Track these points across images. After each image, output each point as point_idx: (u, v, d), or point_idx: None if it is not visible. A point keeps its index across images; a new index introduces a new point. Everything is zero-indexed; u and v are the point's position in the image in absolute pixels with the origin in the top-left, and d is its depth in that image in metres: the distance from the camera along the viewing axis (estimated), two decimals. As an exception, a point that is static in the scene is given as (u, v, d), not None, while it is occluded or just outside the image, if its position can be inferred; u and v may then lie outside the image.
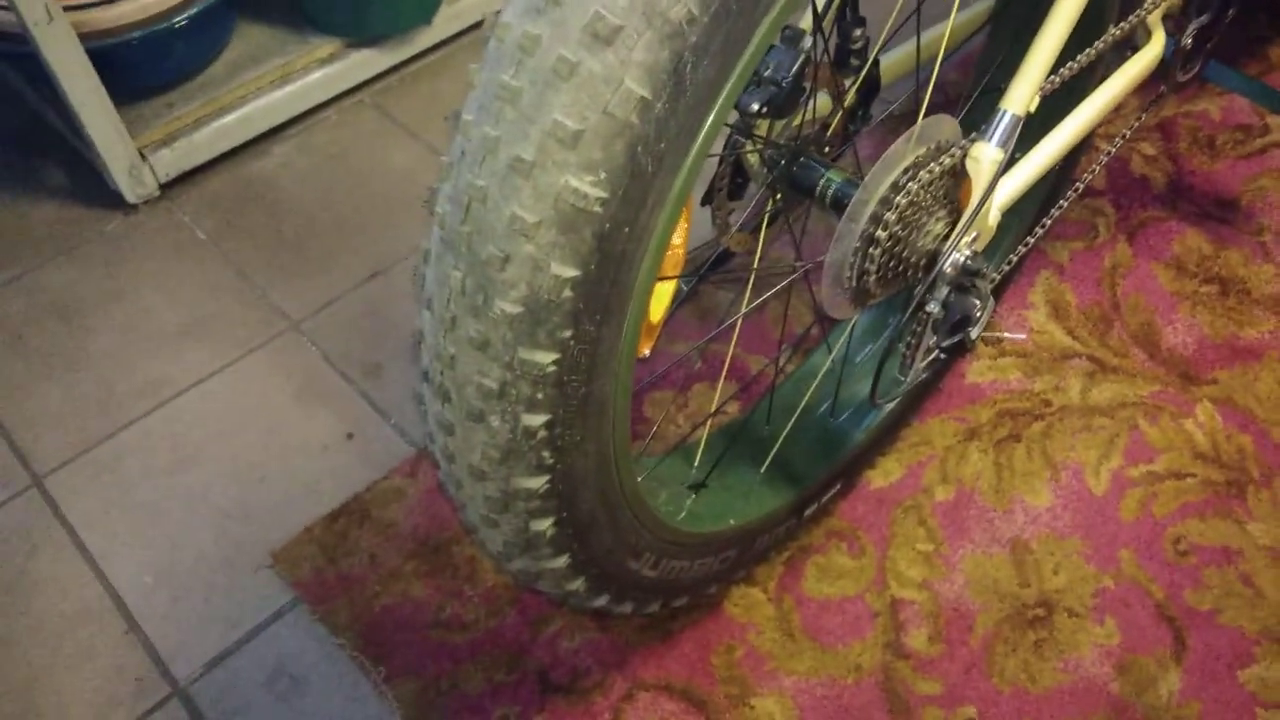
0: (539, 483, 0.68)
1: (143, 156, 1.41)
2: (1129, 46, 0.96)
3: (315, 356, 1.28)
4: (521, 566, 0.76)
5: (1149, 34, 0.95)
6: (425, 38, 1.59)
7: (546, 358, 0.61)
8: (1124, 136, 0.99)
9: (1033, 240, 0.96)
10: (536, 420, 0.64)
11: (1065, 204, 0.99)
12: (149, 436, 1.21)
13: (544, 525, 0.71)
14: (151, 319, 1.33)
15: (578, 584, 0.78)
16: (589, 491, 0.71)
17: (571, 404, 0.65)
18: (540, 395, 0.63)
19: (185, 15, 1.38)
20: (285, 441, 1.20)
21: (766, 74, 0.75)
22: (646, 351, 0.77)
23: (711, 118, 0.58)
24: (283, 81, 1.49)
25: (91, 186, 1.46)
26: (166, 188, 1.46)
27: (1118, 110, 0.94)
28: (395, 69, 1.60)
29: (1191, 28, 0.97)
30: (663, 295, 0.78)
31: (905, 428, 1.14)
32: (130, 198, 1.43)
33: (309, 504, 1.14)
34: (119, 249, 1.41)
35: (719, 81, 0.57)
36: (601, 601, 0.83)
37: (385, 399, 1.23)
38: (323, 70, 1.51)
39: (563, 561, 0.75)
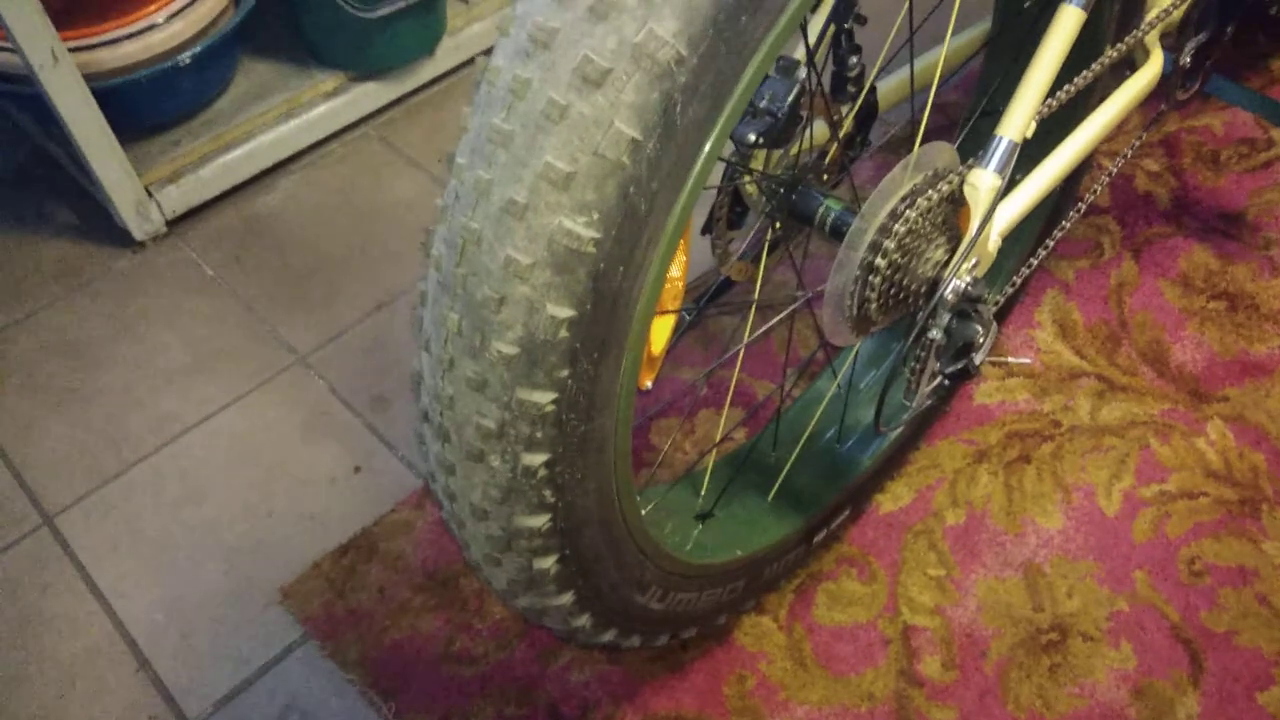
0: (541, 521, 0.67)
1: (149, 194, 1.42)
2: (1127, 66, 0.95)
3: (323, 390, 1.28)
4: (526, 604, 0.75)
5: (1147, 53, 0.95)
6: (428, 69, 1.60)
7: (544, 397, 0.61)
8: (1126, 155, 0.99)
9: (1036, 261, 0.96)
10: (536, 459, 0.64)
11: (1068, 224, 0.99)
12: (158, 473, 1.22)
13: (547, 563, 0.70)
14: (160, 355, 1.33)
15: (583, 620, 0.78)
16: (592, 528, 0.71)
17: (571, 442, 0.65)
18: (539, 434, 0.63)
19: (190, 53, 1.39)
20: (293, 475, 1.20)
21: (762, 105, 0.75)
22: (649, 384, 0.77)
23: (704, 155, 0.58)
24: (287, 116, 1.51)
25: (99, 224, 1.47)
26: (174, 224, 1.47)
27: (1119, 128, 0.94)
28: (399, 101, 1.61)
29: (1190, 46, 0.97)
30: (663, 328, 0.78)
31: (914, 451, 1.14)
32: (138, 235, 1.44)
33: (317, 538, 1.14)
34: (127, 286, 1.42)
35: (710, 120, 0.57)
36: (609, 636, 0.82)
37: (393, 431, 1.23)
38: (327, 104, 1.53)
39: (567, 598, 0.74)
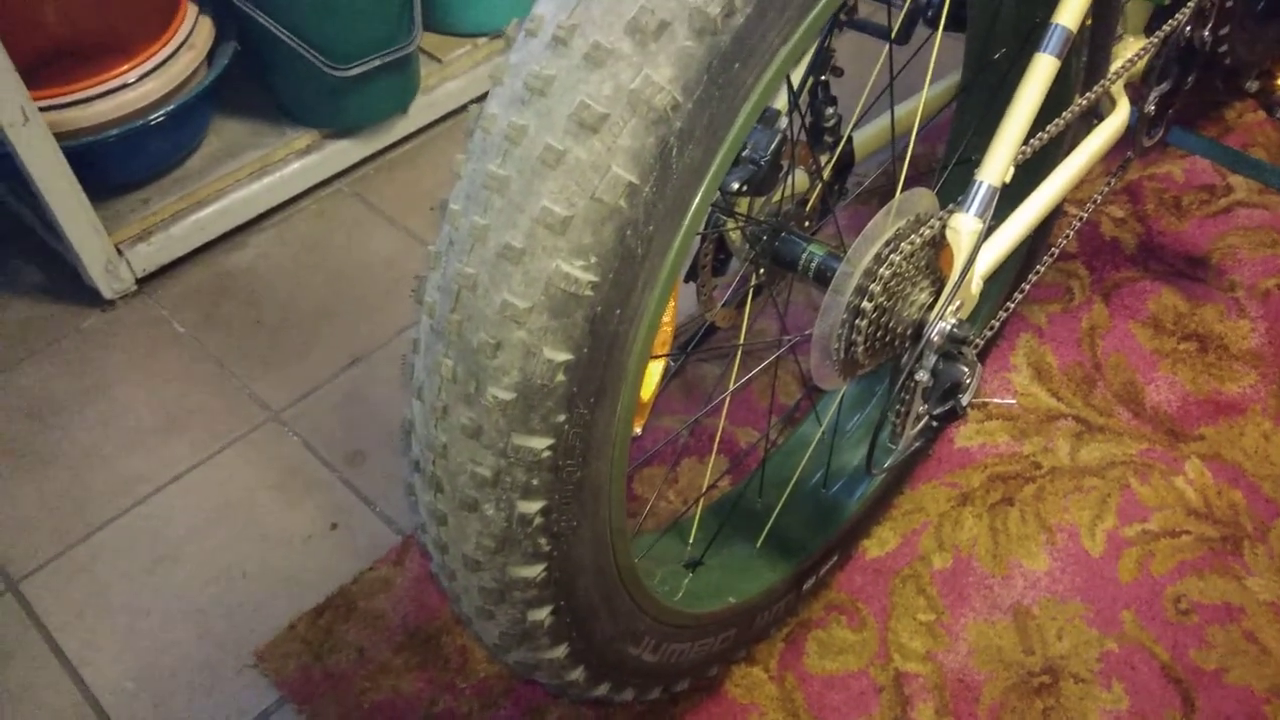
0: (535, 571, 0.66)
1: (119, 252, 1.40)
2: (1095, 115, 0.98)
3: (297, 446, 1.26)
4: (519, 658, 0.74)
5: (1113, 102, 0.98)
6: (402, 126, 1.61)
7: (541, 443, 0.61)
8: (1095, 201, 1.01)
9: (1013, 305, 0.97)
10: (532, 507, 0.63)
11: (1042, 269, 1.01)
12: (127, 535, 1.18)
13: (541, 614, 0.69)
14: (129, 415, 1.31)
15: (577, 674, 0.76)
16: (587, 577, 0.70)
17: (567, 488, 0.64)
18: (535, 481, 0.62)
19: (162, 112, 1.39)
20: (267, 534, 1.17)
21: (745, 153, 0.76)
22: (638, 429, 0.77)
23: (698, 199, 0.59)
24: (260, 173, 1.50)
25: (67, 283, 1.45)
26: (144, 282, 1.45)
27: (1088, 175, 0.96)
28: (373, 158, 1.62)
29: (1153, 95, 0.99)
30: (653, 373, 0.78)
31: (898, 495, 1.14)
32: (107, 293, 1.42)
33: (293, 598, 1.11)
34: (95, 345, 1.39)
35: (705, 164, 0.58)
36: (602, 690, 0.81)
37: (369, 486, 1.21)
38: (300, 161, 1.52)
39: (561, 651, 0.73)
